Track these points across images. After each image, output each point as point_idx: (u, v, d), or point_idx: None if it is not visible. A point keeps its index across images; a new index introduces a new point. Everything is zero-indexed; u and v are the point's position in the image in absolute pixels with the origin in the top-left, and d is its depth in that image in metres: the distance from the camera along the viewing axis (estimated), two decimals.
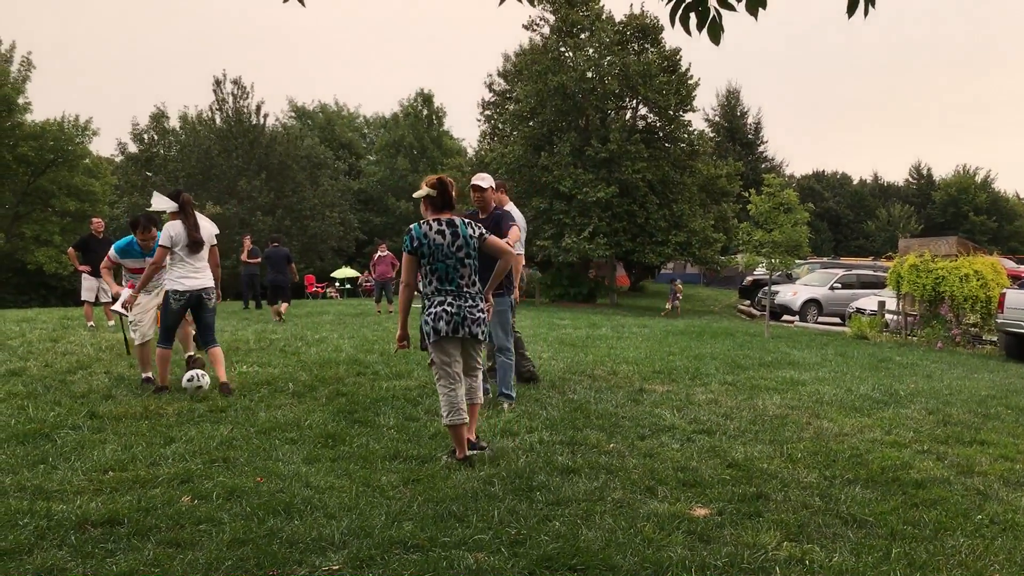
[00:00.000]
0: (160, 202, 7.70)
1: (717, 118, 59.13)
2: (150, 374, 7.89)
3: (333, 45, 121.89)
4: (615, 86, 30.81)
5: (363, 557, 3.70)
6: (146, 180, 44.17)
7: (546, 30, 33.27)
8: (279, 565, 3.60)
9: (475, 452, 5.47)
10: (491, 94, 36.51)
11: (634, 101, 32.66)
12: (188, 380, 7.55)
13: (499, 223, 6.98)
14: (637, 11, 33.03)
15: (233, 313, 17.94)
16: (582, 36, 32.16)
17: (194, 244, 7.46)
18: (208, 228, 7.75)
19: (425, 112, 57.44)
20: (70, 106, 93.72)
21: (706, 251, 31.49)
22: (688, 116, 32.69)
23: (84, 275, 13.48)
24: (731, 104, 59.58)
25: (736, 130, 58.03)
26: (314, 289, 40.30)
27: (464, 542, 3.90)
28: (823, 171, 74.95)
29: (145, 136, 46.40)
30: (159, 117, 46.65)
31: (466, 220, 5.59)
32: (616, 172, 30.30)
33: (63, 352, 9.65)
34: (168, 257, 7.49)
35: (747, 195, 17.53)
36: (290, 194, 42.56)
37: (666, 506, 4.51)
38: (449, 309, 5.41)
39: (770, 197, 16.52)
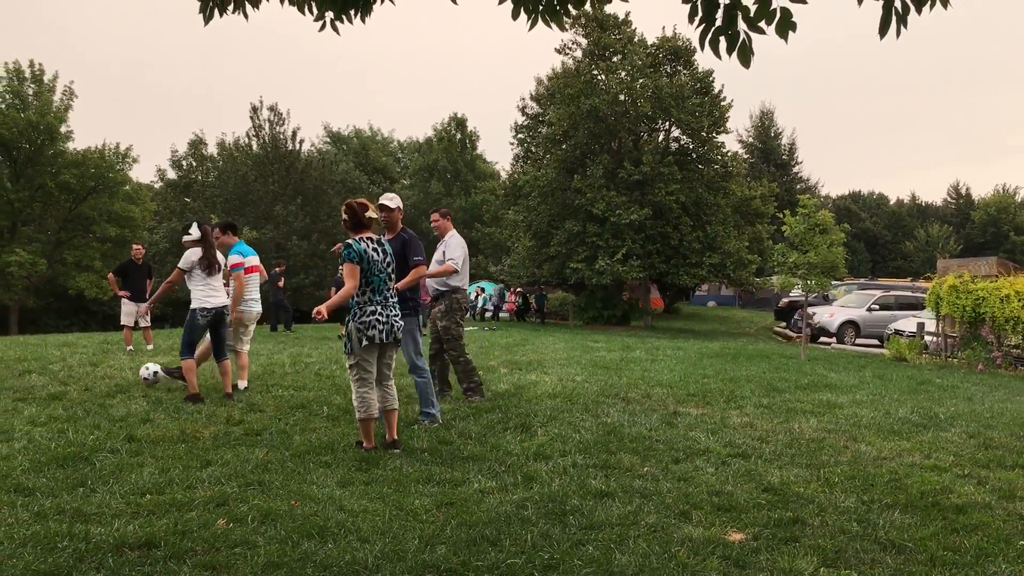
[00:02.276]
0: (195, 231, 8.50)
1: (751, 139, 58.92)
2: (231, 388, 8.70)
3: (368, 71, 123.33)
4: (648, 108, 30.84)
5: None
6: (184, 206, 44.86)
7: (578, 53, 33.45)
8: None
9: (396, 450, 6.23)
10: (524, 117, 36.68)
11: (667, 123, 32.65)
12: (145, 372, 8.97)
13: (405, 245, 7.41)
14: (669, 34, 33.10)
15: (268, 336, 18.11)
16: (614, 59, 32.28)
17: (212, 267, 8.38)
18: (221, 255, 8.67)
19: (458, 136, 57.81)
20: (110, 134, 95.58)
21: (741, 273, 31.29)
22: (721, 137, 32.62)
23: (124, 300, 13.69)
24: (765, 125, 59.35)
25: (770, 151, 57.76)
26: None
27: (497, 566, 3.89)
28: (859, 191, 74.35)
29: (184, 163, 47.17)
30: (197, 144, 47.41)
31: (386, 241, 6.47)
32: (649, 194, 30.26)
33: (102, 376, 9.78)
34: (187, 279, 8.33)
35: (782, 216, 17.40)
36: (325, 219, 42.95)
37: (701, 531, 4.46)
38: (381, 319, 6.24)
39: (805, 218, 16.39)
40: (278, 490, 5.09)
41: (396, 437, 6.43)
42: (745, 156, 52.05)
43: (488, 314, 35.49)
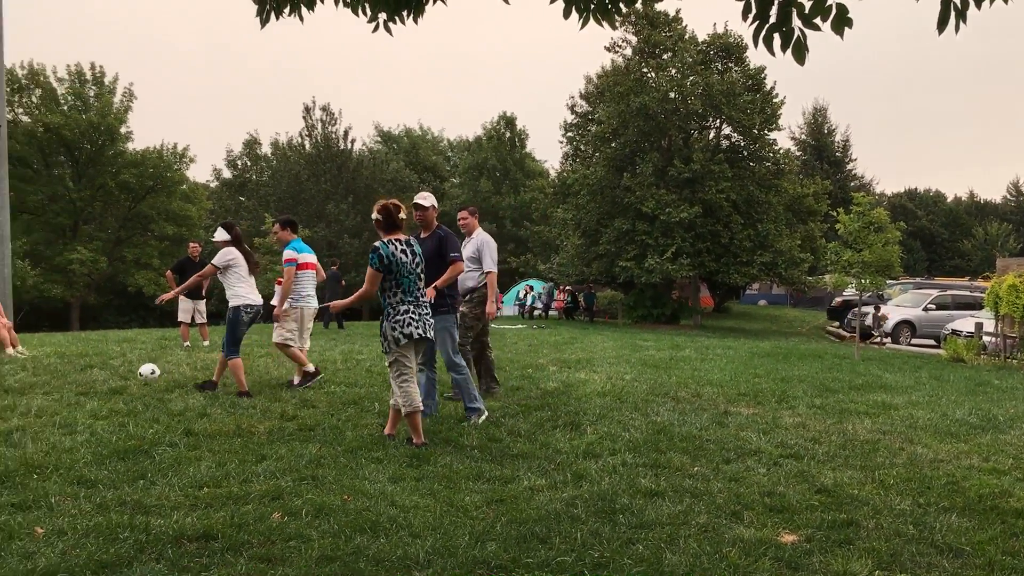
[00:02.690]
0: (220, 234, 8.80)
1: (803, 136, 58.05)
2: (301, 376, 9.21)
3: (419, 70, 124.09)
4: (698, 106, 30.60)
5: None
6: (239, 205, 45.65)
7: (628, 51, 33.29)
8: None
9: (391, 442, 6.36)
10: (573, 116, 36.62)
11: (718, 120, 32.36)
12: (141, 374, 9.43)
13: (441, 242, 7.44)
14: (721, 30, 32.79)
15: (320, 333, 18.34)
16: (665, 56, 32.08)
17: (252, 268, 8.68)
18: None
19: (508, 135, 57.89)
20: (168, 134, 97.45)
21: (793, 271, 30.90)
22: (773, 135, 32.26)
23: (181, 297, 13.97)
24: (818, 122, 58.43)
25: (823, 148, 56.85)
26: None
27: (547, 563, 3.91)
28: (915, 189, 72.89)
29: (239, 162, 48.00)
30: (252, 144, 48.21)
31: (415, 240, 6.69)
32: (699, 192, 30.03)
33: (163, 372, 9.99)
34: (223, 277, 8.61)
35: (835, 214, 17.15)
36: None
37: (752, 531, 4.43)
38: (414, 316, 6.39)
39: (859, 216, 16.14)
40: (331, 485, 5.17)
41: (394, 433, 6.56)
42: (797, 153, 51.38)
43: (537, 312, 35.50)
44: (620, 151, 32.02)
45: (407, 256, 6.41)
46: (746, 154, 32.44)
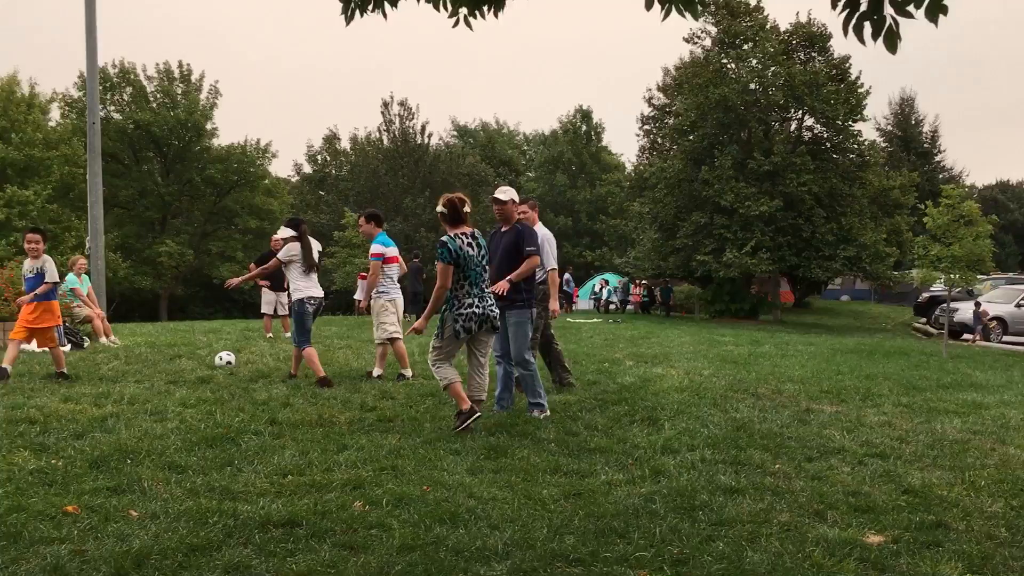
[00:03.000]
0: (284, 231, 9.14)
1: (890, 127, 56.48)
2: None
3: (496, 63, 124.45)
4: (779, 97, 30.03)
5: (526, 568, 3.75)
6: (319, 199, 46.47)
7: (707, 42, 32.85)
8: (445, 572, 3.70)
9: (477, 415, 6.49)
10: (650, 108, 36.30)
11: (800, 112, 31.72)
12: (219, 360, 9.97)
13: (520, 238, 7.36)
14: (803, 19, 32.09)
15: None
16: (745, 47, 31.55)
17: (310, 267, 8.91)
18: (315, 249, 9.18)
19: (584, 128, 57.72)
20: (251, 130, 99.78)
21: (877, 266, 30.14)
22: (858, 126, 31.45)
23: (264, 289, 14.31)
24: (905, 112, 56.81)
25: (911, 139, 55.26)
26: None
27: (626, 558, 3.90)
28: (1007, 181, 70.25)
29: (319, 157, 48.83)
30: (331, 139, 49.00)
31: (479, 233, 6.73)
32: (780, 185, 29.48)
33: (245, 361, 10.26)
34: (287, 270, 8.97)
35: (923, 207, 16.65)
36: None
37: (836, 531, 4.34)
38: (477, 311, 6.53)
39: (949, 209, 15.63)
40: (410, 475, 5.23)
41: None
42: (883, 144, 50.03)
43: (612, 307, 35.32)
44: (698, 144, 31.63)
45: (473, 249, 6.57)
46: (829, 146, 31.72)
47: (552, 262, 8.27)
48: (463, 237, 6.56)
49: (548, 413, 7.26)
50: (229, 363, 9.96)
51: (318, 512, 4.41)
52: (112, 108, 43.39)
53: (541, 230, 8.35)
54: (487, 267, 6.74)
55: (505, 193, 7.54)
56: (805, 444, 6.42)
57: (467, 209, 6.66)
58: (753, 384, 9.64)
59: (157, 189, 44.30)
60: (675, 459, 5.81)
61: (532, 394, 7.36)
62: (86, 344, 11.96)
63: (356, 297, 9.56)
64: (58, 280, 8.73)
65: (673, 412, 7.54)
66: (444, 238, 6.55)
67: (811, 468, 5.69)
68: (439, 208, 6.68)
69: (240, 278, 10.10)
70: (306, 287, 8.89)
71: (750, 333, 20.44)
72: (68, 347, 11.37)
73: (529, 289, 7.43)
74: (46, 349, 9.45)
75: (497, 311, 6.73)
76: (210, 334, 14.63)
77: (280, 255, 9.01)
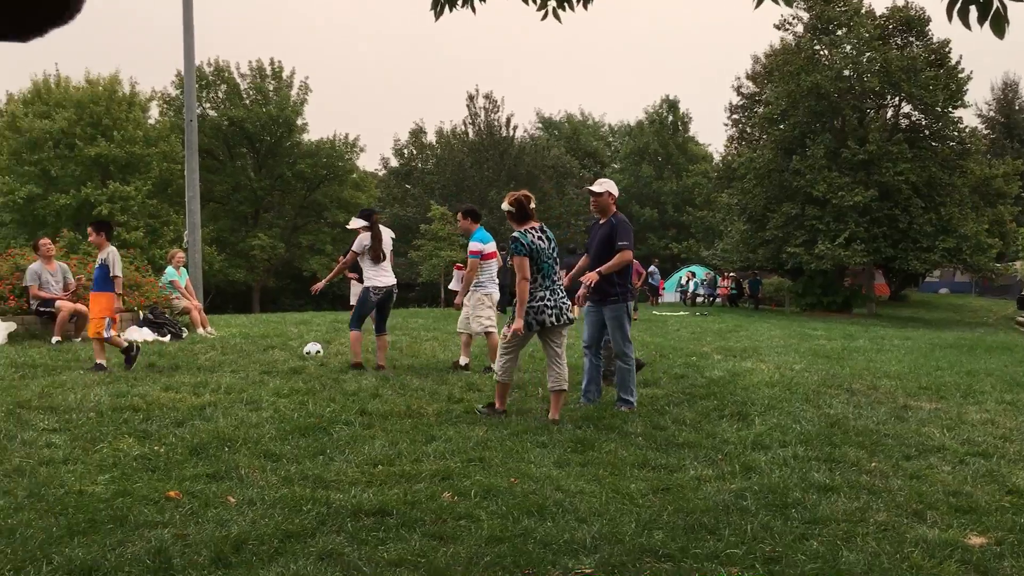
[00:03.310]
0: (355, 222, 9.41)
1: (992, 113, 54.22)
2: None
3: (580, 54, 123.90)
4: (875, 83, 29.15)
5: (614, 563, 3.74)
6: (405, 192, 47.04)
7: (799, 29, 32.07)
8: (534, 565, 3.72)
9: (556, 423, 6.52)
10: (739, 97, 35.68)
11: (896, 98, 30.75)
12: (307, 351, 10.19)
13: (614, 231, 7.27)
14: (900, 3, 31.04)
15: None
16: (839, 33, 30.69)
17: (378, 256, 9.19)
18: (387, 238, 9.50)
19: (670, 118, 57.04)
20: (340, 125, 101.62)
21: (979, 258, 29.01)
22: (958, 112, 30.30)
23: (353, 282, 14.55)
24: (1008, 98, 54.43)
25: (1014, 126, 52.92)
26: None
27: (716, 555, 3.85)
28: None
29: (405, 151, 49.41)
30: (418, 133, 49.50)
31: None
32: (875, 174, 28.63)
33: (335, 352, 10.46)
34: (360, 261, 9.32)
35: None
36: (537, 203, 43.69)
37: (936, 532, 4.20)
38: (550, 303, 6.63)
39: None
40: (498, 467, 5.26)
41: (557, 417, 6.63)
42: (985, 132, 48.05)
43: (699, 299, 34.88)
44: (789, 133, 30.94)
45: (544, 242, 6.72)
46: (927, 133, 30.67)
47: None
48: (533, 231, 6.71)
49: (635, 410, 7.21)
50: (319, 352, 10.17)
51: (408, 502, 4.47)
52: (208, 105, 44.72)
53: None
54: (558, 260, 6.86)
55: (600, 185, 7.52)
56: (903, 442, 6.23)
57: (533, 205, 6.83)
58: (847, 379, 9.38)
59: (250, 184, 45.51)
60: (766, 455, 5.71)
61: (624, 389, 7.32)
62: (184, 335, 12.37)
63: (452, 287, 9.74)
64: (120, 274, 8.92)
65: (763, 407, 7.40)
66: (515, 233, 6.70)
67: (909, 467, 5.52)
68: (506, 207, 6.84)
69: (323, 281, 10.35)
70: (374, 276, 9.22)
71: (843, 327, 19.92)
72: (167, 338, 11.78)
73: (623, 283, 7.35)
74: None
75: (569, 303, 6.81)
76: (301, 325, 14.99)
77: (354, 247, 9.32)
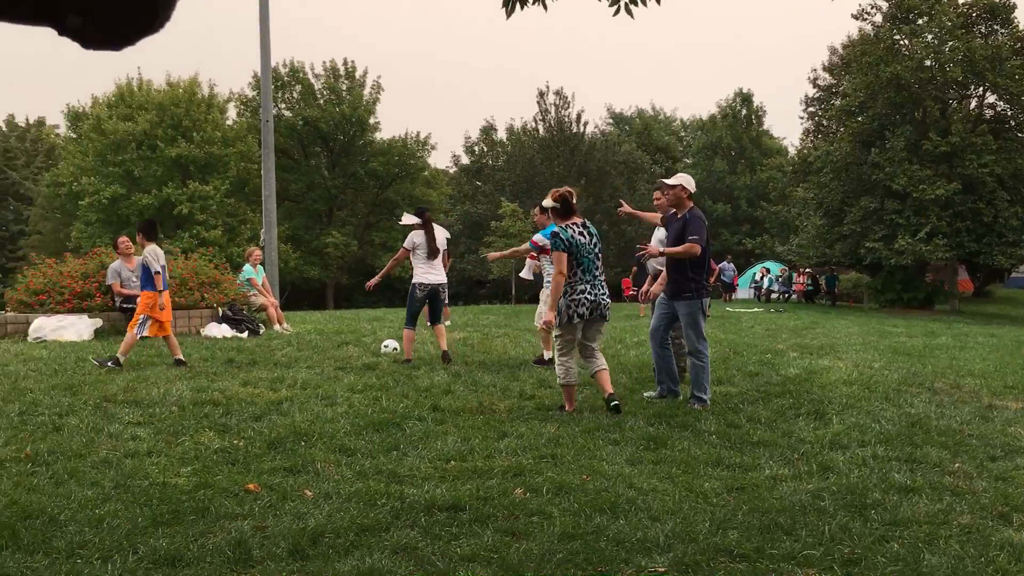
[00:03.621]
0: (408, 218, 9.76)
1: None
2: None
3: (651, 50, 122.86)
4: (958, 73, 28.22)
5: (688, 562, 3.70)
6: (476, 189, 47.27)
7: (878, 18, 31.26)
8: (606, 562, 3.70)
9: (615, 403, 6.75)
10: (815, 89, 34.90)
11: (980, 88, 29.74)
12: (385, 347, 10.45)
13: (685, 225, 7.26)
14: None
15: None
16: (919, 22, 29.80)
17: (432, 252, 9.49)
18: (441, 237, 9.73)
19: (744, 112, 56.13)
20: (412, 123, 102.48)
21: None
22: None
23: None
24: None
25: None
26: (630, 292, 40.84)
27: (793, 556, 3.78)
28: None
29: (475, 148, 49.66)
30: (488, 130, 49.71)
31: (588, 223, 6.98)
32: (958, 167, 27.74)
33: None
34: (412, 257, 9.56)
35: None
36: (608, 199, 43.44)
37: (1023, 535, 4.06)
38: (589, 297, 6.73)
39: None
40: (570, 464, 5.26)
41: (612, 391, 6.86)
42: None
43: (774, 296, 34.28)
44: (867, 125, 30.16)
45: (584, 238, 6.81)
46: (1013, 124, 29.62)
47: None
48: (574, 227, 6.83)
49: (708, 407, 7.13)
50: (395, 349, 10.30)
51: (480, 497, 4.50)
52: (283, 106, 45.60)
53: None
54: (599, 255, 6.94)
55: (678, 179, 7.55)
56: (988, 442, 6.03)
57: (575, 201, 6.99)
58: (929, 378, 9.12)
59: (324, 182, 46.26)
60: (844, 455, 5.59)
61: (698, 386, 7.26)
62: (262, 331, 12.65)
63: (523, 275, 9.91)
64: (160, 270, 9.02)
65: (841, 406, 7.24)
66: (556, 229, 6.84)
67: (994, 468, 5.35)
68: (550, 203, 6.97)
69: (377, 276, 10.43)
70: (422, 273, 9.52)
71: (925, 324, 19.37)
72: (245, 334, 12.06)
73: (698, 278, 7.26)
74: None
75: (608, 300, 6.94)
76: (374, 322, 15.19)
77: (406, 243, 9.62)
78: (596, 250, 6.90)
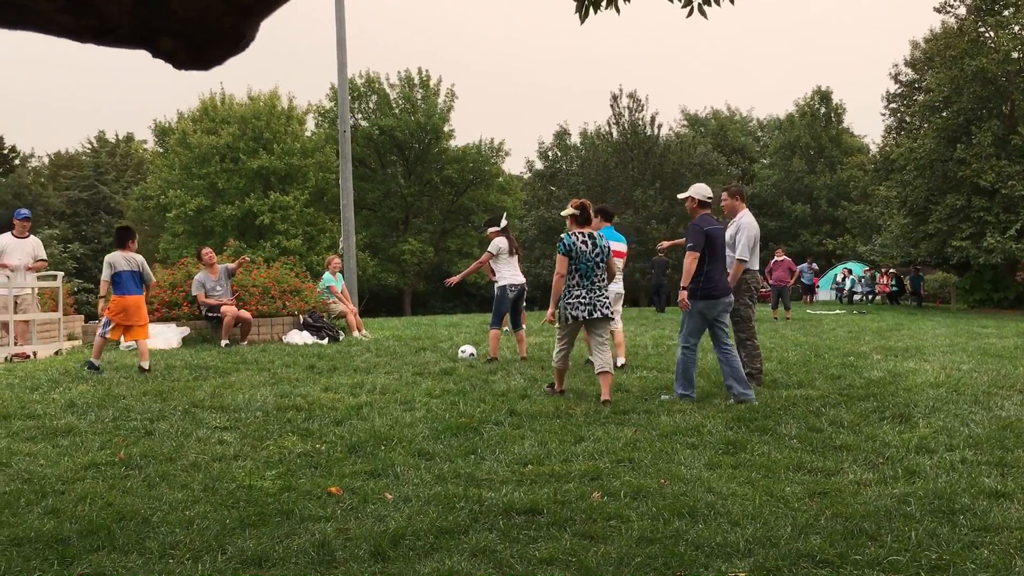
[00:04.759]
0: (490, 230, 10.34)
1: None
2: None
3: (725, 50, 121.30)
4: None
5: (769, 567, 3.66)
6: (550, 194, 47.29)
7: (962, 11, 30.28)
8: (686, 567, 3.68)
9: (606, 407, 7.13)
10: (897, 85, 34.03)
11: None
12: (462, 353, 10.58)
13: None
14: None
15: (631, 318, 18.56)
16: (1005, 13, 28.76)
17: (513, 252, 10.11)
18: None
19: (823, 110, 54.96)
20: (486, 130, 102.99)
21: None
22: None
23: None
24: None
25: None
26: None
27: (878, 562, 3.70)
28: None
29: (549, 153, 49.68)
30: (562, 135, 49.66)
31: (600, 234, 7.68)
32: None
33: (484, 354, 10.65)
34: (494, 262, 10.12)
35: None
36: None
37: None
38: (584, 300, 7.43)
39: None
40: (647, 468, 5.24)
41: (608, 397, 7.34)
42: None
43: (857, 297, 33.47)
44: (952, 120, 29.24)
45: (586, 247, 7.47)
46: None
47: (744, 253, 8.26)
48: (580, 235, 7.50)
49: (675, 396, 7.53)
50: (472, 355, 10.41)
51: (558, 501, 4.52)
52: (359, 116, 46.37)
53: (743, 219, 8.46)
54: (600, 263, 7.52)
55: (690, 191, 8.03)
56: None
57: (592, 212, 7.81)
58: (1021, 380, 8.80)
59: (400, 190, 46.86)
60: (931, 459, 5.45)
61: (677, 380, 7.67)
62: (341, 338, 12.88)
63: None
64: (106, 278, 9.28)
65: (928, 409, 7.05)
66: (563, 235, 7.57)
67: None
68: (570, 211, 7.61)
69: (459, 275, 11.08)
70: (509, 275, 10.07)
71: (1016, 324, 18.69)
72: (326, 340, 12.30)
73: (695, 284, 7.60)
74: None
75: (606, 301, 7.56)
76: (450, 328, 15.34)
77: (490, 248, 10.10)
78: (597, 259, 7.50)
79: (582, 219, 7.61)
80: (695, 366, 7.78)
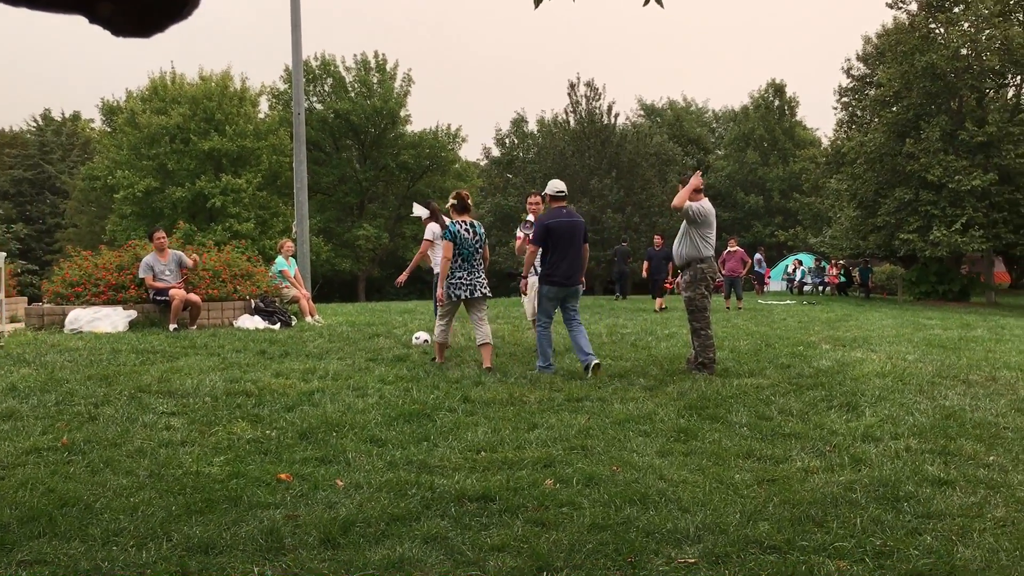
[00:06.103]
0: (418, 210, 10.59)
1: None
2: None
3: (681, 40, 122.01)
4: (995, 62, 27.74)
5: (718, 553, 3.69)
6: (507, 182, 47.22)
7: (913, 7, 30.79)
8: (636, 553, 3.70)
9: (490, 374, 8.03)
10: (849, 80, 34.50)
11: (1019, 77, 29.20)
12: (416, 339, 10.66)
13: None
14: None
15: (586, 308, 18.63)
16: (955, 10, 29.31)
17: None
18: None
19: (777, 103, 55.59)
20: (442, 116, 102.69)
21: None
22: None
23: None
24: None
25: None
26: (670, 287, 40.60)
27: (824, 548, 3.76)
28: None
29: (506, 141, 49.61)
30: (519, 122, 49.64)
31: (478, 223, 8.59)
32: (995, 157, 27.29)
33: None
34: (432, 251, 10.23)
35: None
36: (639, 191, 43.23)
37: None
38: (466, 281, 8.44)
39: None
40: (600, 455, 5.27)
41: (490, 365, 8.36)
42: None
43: (807, 288, 33.98)
44: (902, 115, 29.75)
45: (468, 234, 8.44)
46: None
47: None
48: (462, 224, 8.45)
49: (537, 370, 8.31)
50: (427, 342, 10.36)
51: (510, 488, 4.52)
52: (314, 99, 45.89)
53: (699, 205, 8.72)
54: (479, 249, 8.50)
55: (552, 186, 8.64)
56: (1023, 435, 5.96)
57: (470, 202, 8.68)
58: (964, 370, 9.00)
59: (355, 175, 46.53)
60: (877, 447, 5.55)
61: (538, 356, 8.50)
62: (294, 323, 12.75)
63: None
64: None
65: (874, 398, 7.18)
66: (448, 222, 8.56)
67: None
68: (451, 201, 8.60)
69: (404, 273, 10.82)
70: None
71: (960, 316, 19.12)
72: (278, 326, 12.16)
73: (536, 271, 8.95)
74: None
75: (483, 282, 8.57)
76: (405, 314, 15.26)
77: (426, 235, 10.24)
78: (477, 245, 8.46)
79: (460, 208, 8.55)
80: (550, 343, 8.51)
